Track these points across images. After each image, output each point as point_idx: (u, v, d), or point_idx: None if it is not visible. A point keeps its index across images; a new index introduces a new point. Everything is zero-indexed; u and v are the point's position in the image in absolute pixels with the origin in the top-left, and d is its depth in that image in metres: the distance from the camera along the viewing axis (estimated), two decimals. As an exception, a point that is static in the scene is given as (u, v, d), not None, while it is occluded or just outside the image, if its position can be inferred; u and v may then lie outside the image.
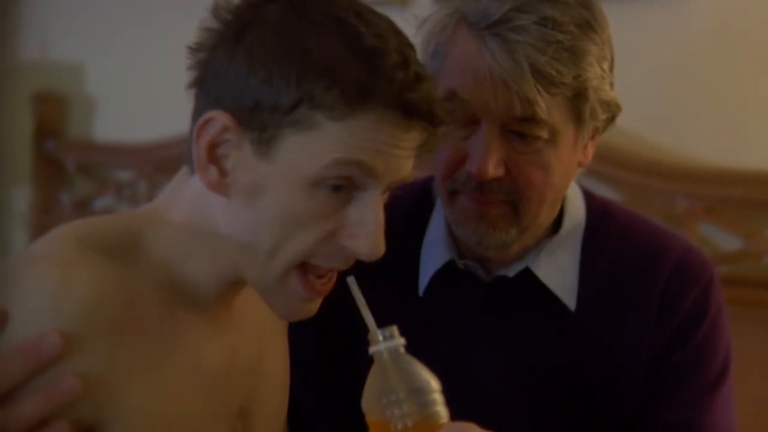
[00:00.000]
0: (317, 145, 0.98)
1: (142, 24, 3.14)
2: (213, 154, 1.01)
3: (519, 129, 1.21)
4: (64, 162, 3.29)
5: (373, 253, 1.02)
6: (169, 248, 1.05)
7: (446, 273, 1.34)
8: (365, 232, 1.01)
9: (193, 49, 1.04)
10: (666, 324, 1.31)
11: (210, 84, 1.02)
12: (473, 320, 1.34)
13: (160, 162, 3.01)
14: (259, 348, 1.17)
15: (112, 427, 0.97)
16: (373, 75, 0.97)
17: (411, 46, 1.02)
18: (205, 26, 1.03)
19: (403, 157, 1.01)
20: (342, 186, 0.99)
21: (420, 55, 1.22)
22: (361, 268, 1.05)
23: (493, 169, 1.21)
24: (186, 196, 1.07)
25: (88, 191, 3.30)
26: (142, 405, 0.99)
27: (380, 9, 1.04)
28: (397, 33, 1.02)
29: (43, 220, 3.18)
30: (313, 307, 1.08)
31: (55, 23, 3.30)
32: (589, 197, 1.39)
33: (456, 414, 0.96)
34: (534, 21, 1.18)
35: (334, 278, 1.07)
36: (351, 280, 1.03)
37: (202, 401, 1.07)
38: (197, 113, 1.03)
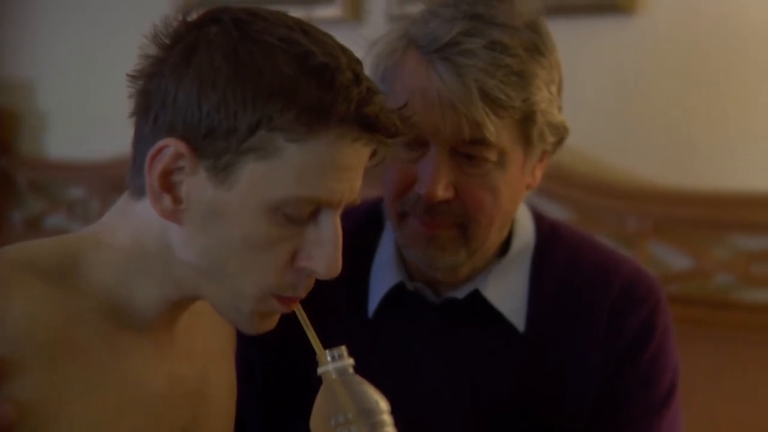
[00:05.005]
0: (278, 173, 0.96)
1: (94, 40, 3.12)
2: (166, 183, 0.99)
3: (468, 151, 1.22)
4: (16, 179, 3.26)
5: (330, 272, 1.01)
6: (111, 271, 1.03)
7: (396, 295, 1.34)
8: (324, 252, 1.00)
9: (133, 77, 1.02)
10: (614, 345, 1.32)
11: (158, 111, 0.99)
12: (423, 343, 1.33)
13: (113, 180, 2.96)
14: (203, 370, 1.15)
15: None
16: (329, 93, 0.95)
17: (359, 62, 1.02)
18: (143, 53, 1.01)
19: (358, 177, 1.01)
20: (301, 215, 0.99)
21: (370, 77, 1.22)
22: (310, 290, 1.04)
23: (442, 192, 1.21)
24: (134, 219, 1.04)
25: (40, 209, 3.26)
26: (80, 430, 0.97)
27: (334, 27, 1.03)
28: (344, 50, 1.01)
29: (-7, 238, 3.14)
30: (275, 320, 1.06)
31: (6, 39, 3.27)
32: (538, 218, 1.40)
33: (405, 436, 0.96)
34: (483, 45, 1.19)
35: None
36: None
37: (143, 425, 1.05)
38: (143, 142, 1.01)
